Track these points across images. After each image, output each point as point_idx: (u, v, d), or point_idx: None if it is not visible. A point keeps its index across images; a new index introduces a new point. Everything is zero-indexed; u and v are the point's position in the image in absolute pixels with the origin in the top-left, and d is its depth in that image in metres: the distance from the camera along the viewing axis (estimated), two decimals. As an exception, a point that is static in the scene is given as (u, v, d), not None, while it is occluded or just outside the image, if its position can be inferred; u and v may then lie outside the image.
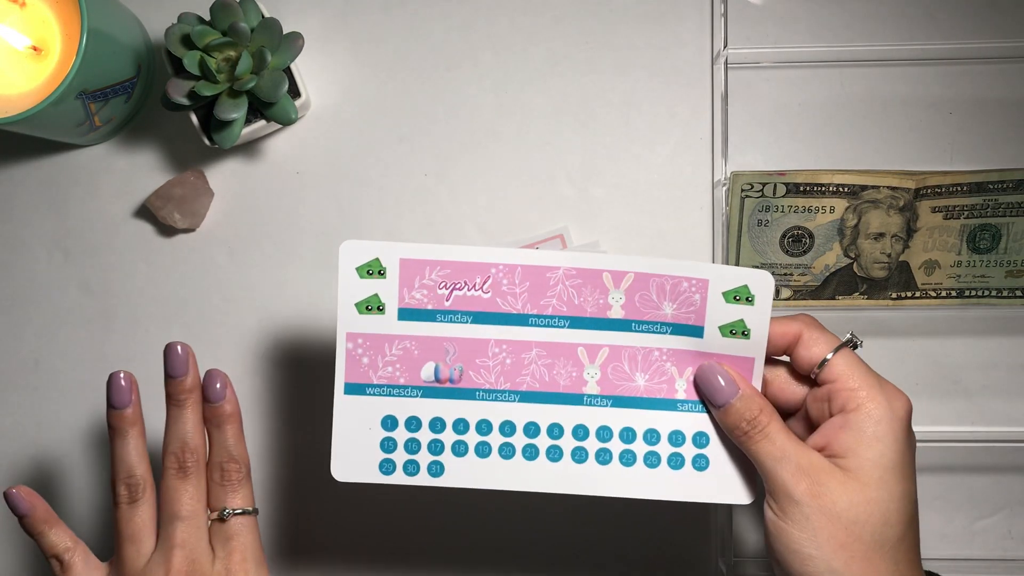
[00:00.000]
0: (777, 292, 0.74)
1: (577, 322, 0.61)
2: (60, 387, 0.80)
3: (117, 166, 0.80)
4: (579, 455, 0.62)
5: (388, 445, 0.62)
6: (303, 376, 0.80)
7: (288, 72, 0.74)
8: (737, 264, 0.74)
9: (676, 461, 0.62)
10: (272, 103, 0.72)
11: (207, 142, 0.74)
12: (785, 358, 0.63)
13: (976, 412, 0.77)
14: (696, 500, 0.62)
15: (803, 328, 0.60)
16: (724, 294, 0.60)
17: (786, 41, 0.78)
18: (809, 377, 0.61)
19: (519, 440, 0.62)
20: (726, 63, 0.76)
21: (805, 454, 0.57)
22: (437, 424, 0.62)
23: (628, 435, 0.62)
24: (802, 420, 0.62)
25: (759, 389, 0.61)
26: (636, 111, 0.78)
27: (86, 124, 0.74)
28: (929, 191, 0.72)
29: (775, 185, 0.72)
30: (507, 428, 0.62)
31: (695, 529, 0.78)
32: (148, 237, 0.80)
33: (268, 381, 0.79)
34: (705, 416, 0.62)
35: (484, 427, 0.62)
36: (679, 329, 0.61)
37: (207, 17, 0.71)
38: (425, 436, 0.62)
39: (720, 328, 0.61)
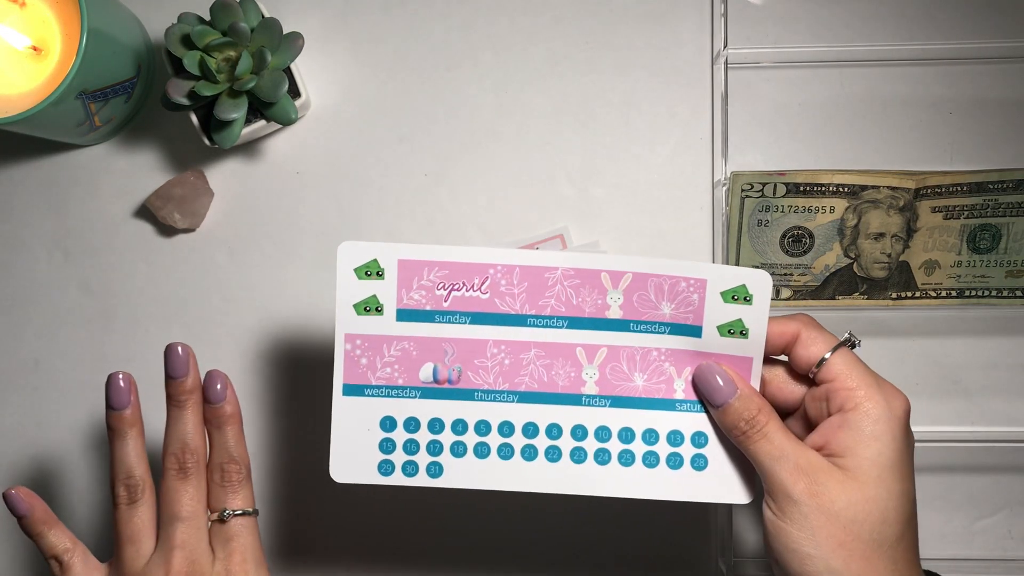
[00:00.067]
0: (777, 292, 0.74)
1: (575, 322, 0.61)
2: (60, 387, 0.80)
3: (117, 166, 0.80)
4: (578, 455, 0.62)
5: (387, 446, 0.62)
6: (302, 376, 0.80)
7: (288, 72, 0.74)
8: (737, 264, 0.74)
9: (675, 461, 0.62)
10: (272, 103, 0.72)
11: (207, 142, 0.74)
12: (783, 358, 0.63)
13: (976, 412, 0.77)
14: (695, 500, 0.62)
15: (801, 328, 0.60)
16: (722, 294, 0.60)
17: (786, 41, 0.78)
18: (807, 376, 0.61)
19: (518, 440, 0.62)
20: (726, 63, 0.76)
21: (803, 453, 0.57)
22: (436, 425, 0.62)
23: (627, 435, 0.62)
24: (800, 419, 0.62)
25: (757, 389, 0.61)
26: (636, 111, 0.78)
27: (86, 124, 0.74)
28: (929, 191, 0.72)
29: (775, 185, 0.72)
30: (506, 428, 0.62)
31: (695, 529, 0.78)
32: (148, 237, 0.80)
33: (267, 381, 0.79)
34: (703, 416, 0.62)
35: (483, 428, 0.62)
36: (677, 329, 0.61)
37: (207, 17, 0.71)
38: (424, 437, 0.62)
39: (718, 328, 0.61)
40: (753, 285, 0.60)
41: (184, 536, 0.62)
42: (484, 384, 0.62)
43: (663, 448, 0.62)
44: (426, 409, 0.62)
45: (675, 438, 0.62)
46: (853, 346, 0.60)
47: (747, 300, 0.60)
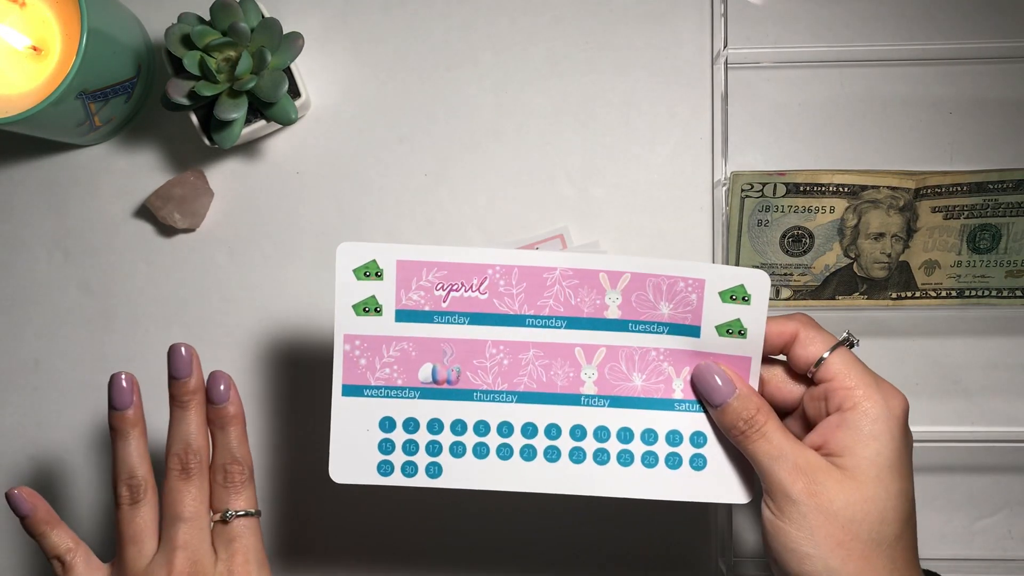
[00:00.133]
0: (777, 292, 0.74)
1: (574, 322, 0.61)
2: (60, 387, 0.80)
3: (117, 166, 0.80)
4: (577, 455, 0.62)
5: (386, 446, 0.62)
6: (302, 376, 0.80)
7: (288, 72, 0.74)
8: (737, 264, 0.74)
9: (673, 461, 0.62)
10: (272, 103, 0.72)
11: (207, 142, 0.75)
12: (782, 357, 0.63)
13: (976, 412, 0.77)
14: (694, 500, 0.62)
15: (799, 327, 0.60)
16: (720, 294, 0.60)
17: (786, 41, 0.78)
18: (806, 376, 0.61)
19: (517, 441, 0.62)
20: (726, 63, 0.76)
21: (802, 453, 0.57)
22: (435, 425, 0.62)
23: (625, 435, 0.62)
24: (799, 419, 0.62)
25: (756, 388, 0.61)
26: (636, 111, 0.78)
27: (86, 124, 0.74)
28: (929, 191, 0.72)
29: (775, 185, 0.72)
30: (505, 429, 0.62)
31: (695, 529, 0.78)
32: (148, 237, 0.80)
33: (267, 381, 0.79)
34: (702, 416, 0.62)
35: (482, 428, 0.62)
36: (676, 329, 0.61)
37: (207, 17, 0.72)
38: (423, 437, 0.62)
39: (717, 328, 0.61)
40: (751, 285, 0.60)
41: (187, 536, 0.62)
42: (483, 384, 0.62)
43: (662, 448, 0.62)
44: (425, 409, 0.62)
45: (674, 438, 0.62)
46: (852, 345, 0.60)
47: (745, 300, 0.60)
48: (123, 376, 0.63)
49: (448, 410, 0.62)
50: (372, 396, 0.62)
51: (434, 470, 0.62)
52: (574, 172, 0.78)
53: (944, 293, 0.74)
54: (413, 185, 0.79)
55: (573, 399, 0.62)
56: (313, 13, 0.80)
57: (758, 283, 0.60)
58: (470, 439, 0.62)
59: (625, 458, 0.62)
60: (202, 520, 0.63)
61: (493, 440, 0.62)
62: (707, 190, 0.78)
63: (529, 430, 0.62)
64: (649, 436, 0.62)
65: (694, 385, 0.62)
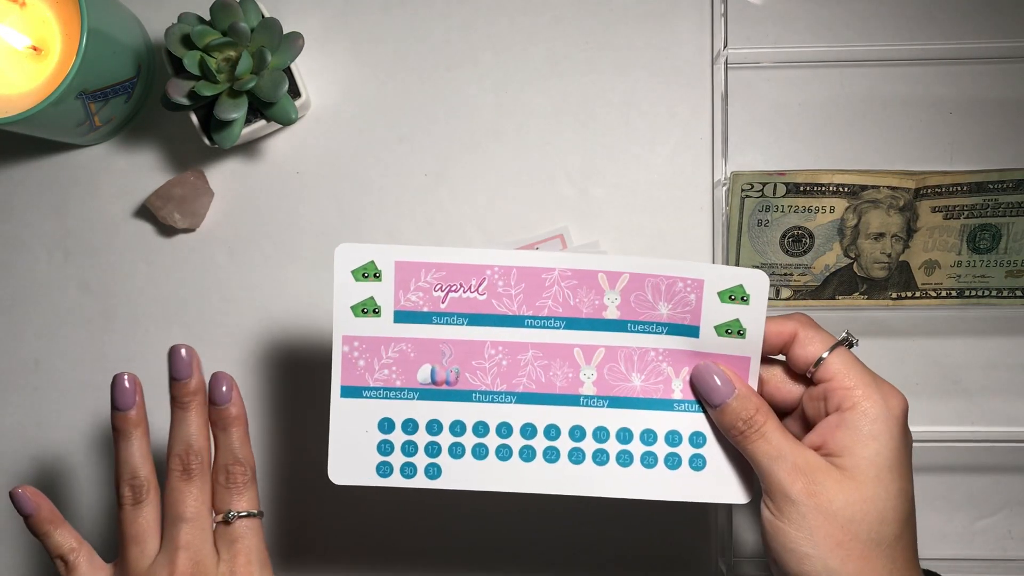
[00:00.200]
0: (777, 292, 0.74)
1: (573, 323, 0.61)
2: (60, 387, 0.80)
3: (117, 166, 0.80)
4: (576, 456, 0.62)
5: (385, 448, 0.62)
6: (302, 377, 0.80)
7: (288, 72, 0.74)
8: (737, 264, 0.74)
9: (673, 461, 0.62)
10: (272, 103, 0.72)
11: (207, 142, 0.75)
12: (781, 357, 0.62)
13: (976, 412, 0.77)
14: (693, 500, 0.62)
15: (798, 327, 0.60)
16: (719, 294, 0.60)
17: (786, 41, 0.78)
18: (805, 376, 0.61)
19: (516, 441, 0.62)
20: (726, 63, 0.76)
21: (801, 453, 0.57)
22: (434, 426, 0.62)
23: (625, 435, 0.62)
24: (798, 419, 0.62)
25: (755, 388, 0.61)
26: (636, 111, 0.78)
27: (86, 124, 0.74)
28: (929, 191, 0.72)
29: (775, 185, 0.72)
30: (504, 430, 0.62)
31: (695, 529, 0.78)
32: (148, 237, 0.80)
33: (267, 381, 0.79)
34: (701, 416, 0.62)
35: (481, 429, 0.62)
36: (675, 329, 0.61)
37: (207, 17, 0.72)
38: (422, 438, 0.62)
39: (716, 328, 0.61)
40: (750, 285, 0.60)
41: (188, 537, 0.62)
42: (482, 385, 0.62)
43: (661, 448, 0.62)
44: (424, 410, 0.62)
45: (673, 438, 0.62)
46: (851, 345, 0.60)
47: (744, 300, 0.60)
48: (126, 376, 0.64)
49: (447, 411, 0.62)
50: (371, 397, 0.62)
51: (433, 471, 0.62)
52: (574, 172, 0.78)
53: (944, 293, 0.74)
54: (413, 185, 0.79)
55: (572, 400, 0.62)
56: (313, 13, 0.80)
57: (757, 283, 0.60)
58: (469, 440, 0.62)
59: (624, 458, 0.62)
60: (204, 520, 0.62)
61: (492, 441, 0.62)
62: (707, 190, 0.78)
63: (528, 431, 0.62)
64: (648, 436, 0.62)
65: (693, 385, 0.62)
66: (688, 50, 0.78)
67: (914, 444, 0.59)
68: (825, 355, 0.59)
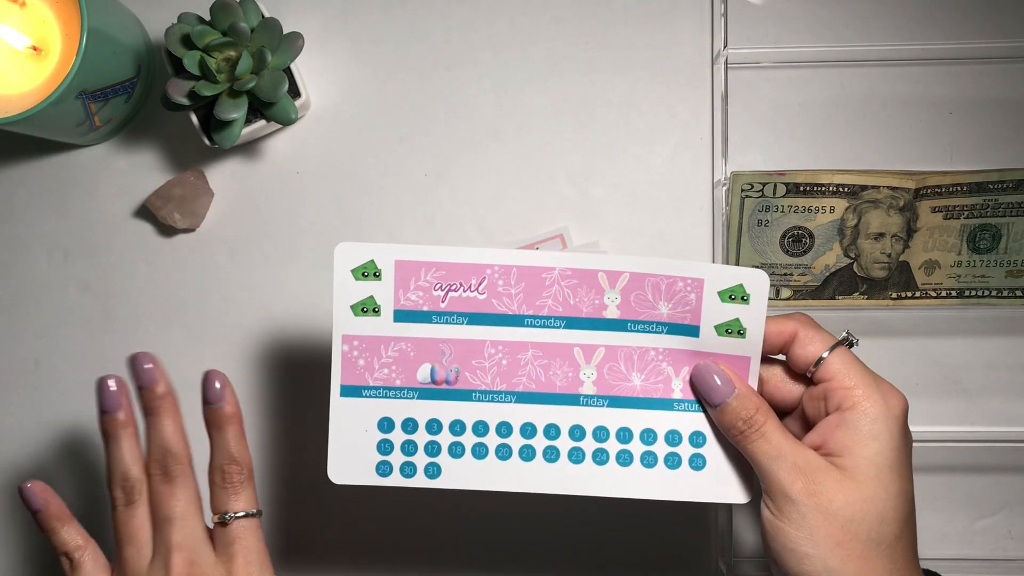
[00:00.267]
0: (777, 292, 0.74)
1: (573, 322, 0.61)
2: (60, 387, 0.80)
3: (117, 166, 0.80)
4: (576, 455, 0.62)
5: (385, 447, 0.62)
6: (302, 376, 0.80)
7: (288, 72, 0.74)
8: (738, 264, 0.74)
9: (673, 461, 0.62)
10: (272, 103, 0.72)
11: (207, 142, 0.75)
12: (781, 357, 0.62)
13: (976, 412, 0.77)
14: (693, 500, 0.62)
15: (799, 327, 0.60)
16: (719, 293, 0.60)
17: (786, 41, 0.78)
18: (805, 376, 0.61)
19: (516, 441, 0.62)
20: (726, 63, 0.76)
21: (801, 453, 0.57)
22: (434, 426, 0.62)
23: (625, 435, 0.62)
24: (798, 419, 0.62)
25: (755, 388, 0.61)
26: (636, 111, 0.78)
27: (86, 124, 0.74)
28: (929, 191, 0.72)
29: (775, 185, 0.72)
30: (504, 429, 0.62)
31: (695, 529, 0.78)
32: (148, 237, 0.80)
33: (266, 381, 0.79)
34: (701, 416, 0.62)
35: (481, 428, 0.62)
36: (675, 329, 0.61)
37: (207, 17, 0.72)
38: (422, 438, 0.62)
39: (716, 327, 0.61)
40: (750, 284, 0.60)
41: (180, 536, 0.61)
42: (482, 384, 0.62)
43: (661, 448, 0.62)
44: (424, 410, 0.62)
45: (673, 438, 0.62)
46: (851, 345, 0.60)
47: (744, 300, 0.60)
48: (111, 379, 0.63)
49: (447, 410, 0.62)
50: (371, 396, 0.62)
51: (433, 470, 0.62)
52: (574, 172, 0.78)
53: (944, 293, 0.74)
54: (413, 185, 0.79)
55: (572, 399, 0.62)
56: (313, 13, 0.80)
57: (757, 283, 0.60)
58: (469, 439, 0.62)
59: (624, 458, 0.62)
60: (192, 519, 0.62)
61: (492, 440, 0.62)
62: (707, 190, 0.78)
63: (528, 430, 0.62)
64: (648, 436, 0.62)
65: (693, 385, 0.62)
66: (688, 50, 0.78)
67: (914, 444, 0.59)
68: (825, 355, 0.59)
